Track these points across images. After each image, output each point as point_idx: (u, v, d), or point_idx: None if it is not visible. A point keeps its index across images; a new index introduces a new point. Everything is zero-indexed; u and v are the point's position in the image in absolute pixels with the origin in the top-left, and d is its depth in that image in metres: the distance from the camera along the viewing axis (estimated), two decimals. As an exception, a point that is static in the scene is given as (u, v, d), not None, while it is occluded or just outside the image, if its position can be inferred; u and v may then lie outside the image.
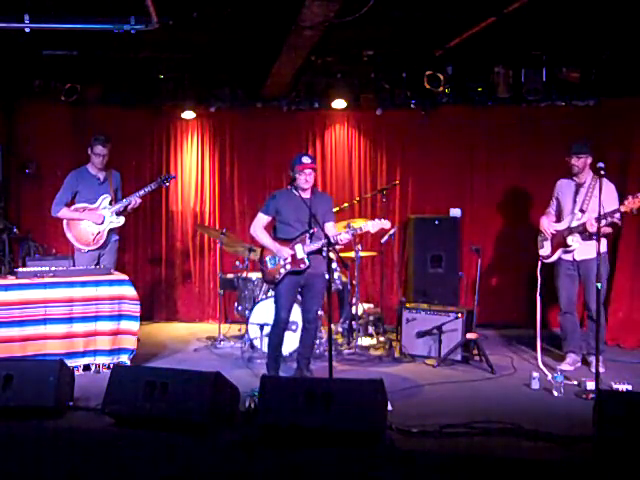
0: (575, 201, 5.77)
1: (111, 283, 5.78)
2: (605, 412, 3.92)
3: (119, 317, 5.77)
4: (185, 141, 8.08)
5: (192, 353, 6.63)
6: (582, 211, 5.66)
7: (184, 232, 8.16)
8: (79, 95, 7.29)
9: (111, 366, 5.41)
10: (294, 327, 5.92)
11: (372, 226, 5.28)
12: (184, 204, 8.13)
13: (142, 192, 6.35)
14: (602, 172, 5.00)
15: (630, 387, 4.97)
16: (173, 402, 4.24)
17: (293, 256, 5.26)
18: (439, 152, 7.83)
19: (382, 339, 6.76)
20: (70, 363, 5.02)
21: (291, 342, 5.84)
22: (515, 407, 4.88)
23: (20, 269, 5.79)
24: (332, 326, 4.66)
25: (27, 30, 5.23)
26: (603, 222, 5.25)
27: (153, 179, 6.64)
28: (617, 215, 5.47)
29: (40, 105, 7.40)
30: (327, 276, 4.83)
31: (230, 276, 7.08)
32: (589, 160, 5.71)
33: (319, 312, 5.71)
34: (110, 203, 6.30)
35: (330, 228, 5.35)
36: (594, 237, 5.18)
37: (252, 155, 8.03)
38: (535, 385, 5.31)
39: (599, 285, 4.91)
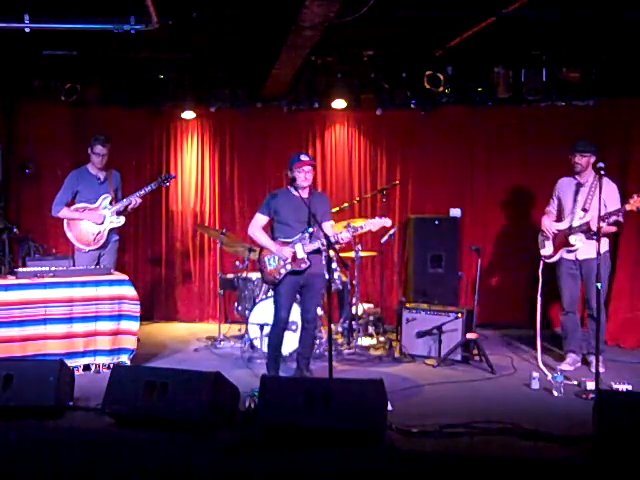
0: (576, 200, 5.76)
1: (111, 283, 5.78)
2: (605, 412, 3.92)
3: (119, 317, 5.77)
4: (185, 141, 8.08)
5: (192, 353, 6.63)
6: (585, 210, 5.65)
7: (184, 232, 8.16)
8: (79, 95, 7.29)
9: (111, 366, 5.41)
10: (294, 327, 5.91)
11: (373, 224, 5.29)
12: (184, 204, 8.13)
13: (142, 192, 6.35)
14: (602, 172, 5.01)
15: (630, 387, 4.97)
16: (173, 402, 4.24)
17: (293, 256, 5.26)
18: (439, 152, 7.82)
19: (382, 339, 6.76)
20: (70, 363, 5.02)
21: (291, 342, 5.84)
22: (515, 407, 4.88)
23: (20, 269, 5.79)
24: (332, 326, 4.65)
25: (27, 30, 5.23)
26: (606, 222, 5.26)
27: (153, 179, 6.64)
28: (621, 213, 5.48)
29: (40, 105, 7.40)
30: (327, 276, 4.83)
31: (230, 276, 7.09)
32: (593, 159, 5.67)
33: (319, 312, 5.71)
34: (110, 203, 6.30)
35: (328, 228, 5.35)
36: (589, 237, 5.20)
37: (252, 155, 8.03)
38: (535, 385, 5.32)
39: (599, 285, 4.92)
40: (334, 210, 6.74)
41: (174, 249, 8.17)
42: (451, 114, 7.69)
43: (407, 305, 6.58)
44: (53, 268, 5.75)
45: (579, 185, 5.78)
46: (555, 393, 5.13)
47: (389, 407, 4.40)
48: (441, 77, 7.13)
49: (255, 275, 6.78)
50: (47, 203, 6.44)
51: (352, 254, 6.64)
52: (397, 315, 6.75)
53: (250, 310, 6.40)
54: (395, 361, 6.22)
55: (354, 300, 6.64)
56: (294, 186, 5.27)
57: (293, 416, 4.07)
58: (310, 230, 5.26)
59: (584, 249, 5.65)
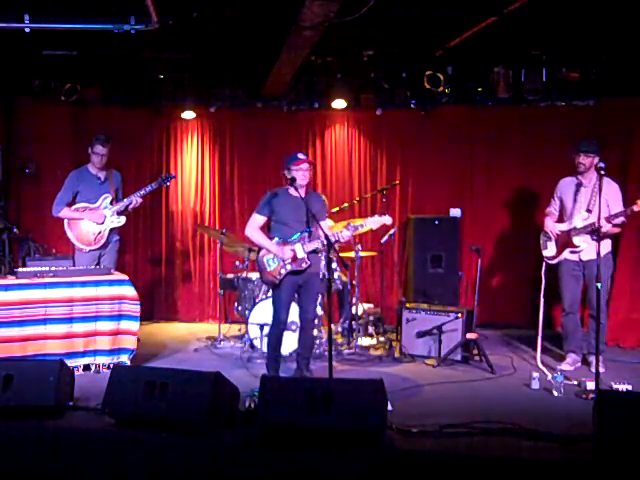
0: (576, 200, 5.76)
1: (111, 283, 5.78)
2: (605, 412, 3.91)
3: (119, 317, 5.77)
4: (185, 141, 8.08)
5: (192, 353, 6.63)
6: (589, 211, 5.63)
7: (184, 232, 8.16)
8: (79, 95, 7.29)
9: (111, 366, 5.41)
10: (294, 327, 5.91)
11: (374, 222, 5.29)
12: (184, 204, 8.12)
13: (143, 192, 6.35)
14: (602, 172, 5.00)
15: (630, 387, 4.97)
16: (173, 402, 4.24)
17: (294, 256, 5.25)
18: (439, 152, 7.82)
19: (382, 339, 6.76)
20: (70, 363, 5.03)
21: (291, 342, 5.84)
22: (515, 407, 4.88)
23: (20, 269, 5.78)
24: (332, 326, 4.66)
25: (27, 30, 5.23)
26: (611, 224, 5.27)
27: (153, 179, 6.64)
28: (627, 214, 5.49)
29: (40, 105, 7.40)
30: (326, 275, 4.82)
31: (230, 276, 7.09)
32: (596, 160, 5.62)
33: (319, 312, 5.71)
34: (111, 203, 6.30)
35: (325, 227, 5.34)
36: (594, 238, 5.19)
37: (252, 155, 8.03)
38: (535, 385, 5.32)
39: (599, 285, 4.92)
40: (334, 210, 6.77)
41: (174, 249, 8.17)
42: (451, 114, 7.69)
43: (407, 305, 6.58)
44: (53, 268, 5.75)
45: (580, 185, 5.77)
46: (555, 393, 5.13)
47: (389, 407, 4.40)
48: (441, 77, 7.14)
49: (255, 275, 6.77)
50: (47, 203, 6.44)
51: (352, 254, 6.64)
52: (397, 315, 6.74)
53: (250, 310, 6.40)
54: (395, 361, 6.22)
55: (354, 300, 6.63)
56: (294, 186, 5.26)
57: (293, 416, 4.07)
58: (310, 230, 5.26)
59: (589, 250, 5.62)
